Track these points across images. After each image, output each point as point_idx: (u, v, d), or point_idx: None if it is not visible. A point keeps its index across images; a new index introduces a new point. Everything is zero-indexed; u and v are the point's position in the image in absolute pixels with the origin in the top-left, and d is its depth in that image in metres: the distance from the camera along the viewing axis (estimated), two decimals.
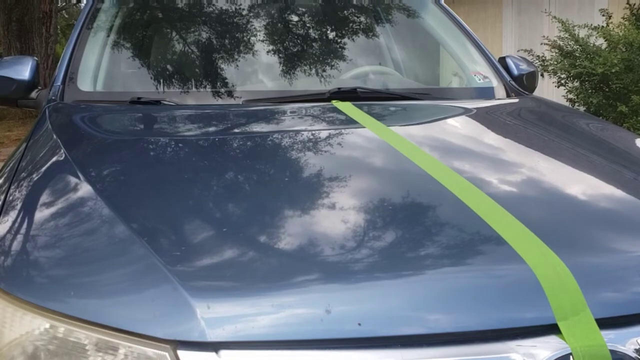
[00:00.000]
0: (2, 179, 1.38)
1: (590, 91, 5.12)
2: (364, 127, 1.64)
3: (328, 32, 2.48)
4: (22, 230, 1.14)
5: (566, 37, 5.24)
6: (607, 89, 5.04)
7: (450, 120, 1.92)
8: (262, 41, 2.29)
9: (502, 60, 2.46)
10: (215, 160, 1.47)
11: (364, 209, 1.19)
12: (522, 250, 1.02)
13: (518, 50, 6.79)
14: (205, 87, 2.10)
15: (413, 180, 1.33)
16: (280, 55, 2.26)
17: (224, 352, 0.87)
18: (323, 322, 0.89)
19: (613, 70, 4.73)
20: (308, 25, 2.48)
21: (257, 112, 1.89)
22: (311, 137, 1.60)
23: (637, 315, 0.96)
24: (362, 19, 2.61)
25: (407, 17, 2.71)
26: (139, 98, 1.90)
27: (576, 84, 5.27)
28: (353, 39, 2.48)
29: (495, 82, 2.26)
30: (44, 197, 1.25)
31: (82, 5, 2.54)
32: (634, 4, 5.36)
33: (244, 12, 2.40)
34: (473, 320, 0.92)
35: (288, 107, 1.90)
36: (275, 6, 2.45)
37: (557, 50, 5.33)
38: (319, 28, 2.49)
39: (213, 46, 2.31)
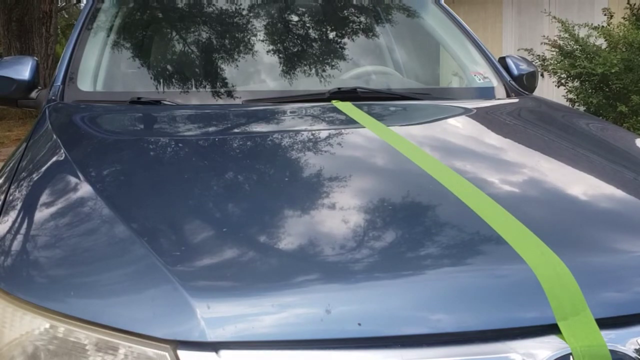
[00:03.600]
0: (2, 179, 1.38)
1: (590, 91, 5.12)
2: (364, 127, 1.64)
3: (328, 32, 2.48)
4: (22, 230, 1.14)
5: (566, 37, 5.24)
6: (607, 89, 5.04)
7: (450, 120, 1.92)
8: (262, 41, 2.29)
9: (502, 60, 2.46)
10: (216, 160, 1.47)
11: (364, 209, 1.19)
12: (522, 250, 1.02)
13: (518, 50, 6.79)
14: (205, 87, 2.10)
15: (413, 180, 1.33)
16: (280, 55, 2.26)
17: (224, 352, 0.87)
18: (323, 322, 0.89)
19: (613, 71, 4.73)
20: (308, 25, 2.48)
21: (257, 112, 1.89)
22: (311, 137, 1.60)
23: (637, 315, 0.96)
24: (362, 19, 2.61)
25: (407, 17, 2.71)
26: (139, 98, 1.90)
27: (576, 83, 5.27)
28: (353, 39, 2.48)
29: (495, 82, 2.26)
30: (44, 197, 1.25)
31: (82, 5, 2.54)
32: (634, 4, 5.36)
33: (244, 12, 2.40)
34: (473, 320, 0.92)
35: (288, 107, 1.90)
36: (275, 6, 2.45)
37: (557, 50, 5.34)
38: (319, 28, 2.49)
39: (213, 46, 2.31)
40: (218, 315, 0.90)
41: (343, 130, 1.68)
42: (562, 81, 5.33)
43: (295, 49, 2.32)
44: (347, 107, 1.80)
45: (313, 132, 1.66)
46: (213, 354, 0.87)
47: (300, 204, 1.22)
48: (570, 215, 1.23)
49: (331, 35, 2.46)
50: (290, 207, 1.21)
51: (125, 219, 1.11)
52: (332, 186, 1.30)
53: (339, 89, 1.99)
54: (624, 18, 5.33)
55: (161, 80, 2.12)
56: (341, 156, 1.49)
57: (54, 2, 10.50)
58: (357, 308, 0.92)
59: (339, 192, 1.26)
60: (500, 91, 2.23)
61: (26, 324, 0.95)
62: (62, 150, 1.44)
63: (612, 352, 0.90)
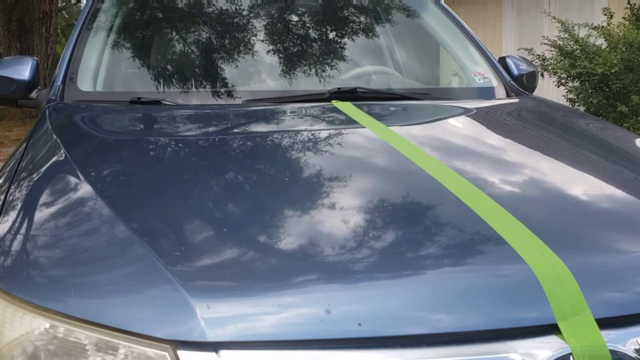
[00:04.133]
0: (2, 179, 1.38)
1: (590, 91, 5.12)
2: (364, 127, 1.64)
3: (328, 32, 2.48)
4: (22, 230, 1.14)
5: (566, 37, 5.24)
6: (607, 89, 5.04)
7: (450, 121, 1.92)
8: (262, 41, 2.29)
9: (502, 60, 2.46)
10: (215, 160, 1.47)
11: (364, 209, 1.19)
12: (522, 250, 1.02)
13: (518, 49, 6.79)
14: (205, 87, 2.10)
15: (413, 180, 1.33)
16: (280, 55, 2.26)
17: (224, 352, 0.87)
18: (323, 322, 0.89)
19: (613, 71, 4.73)
20: (308, 25, 2.48)
21: (257, 112, 1.89)
22: (311, 137, 1.60)
23: (637, 315, 0.96)
24: (362, 19, 2.61)
25: (407, 17, 2.71)
26: (139, 98, 1.90)
27: (576, 83, 5.27)
28: (353, 39, 2.48)
29: (495, 82, 2.26)
30: (44, 197, 1.25)
31: (82, 5, 2.54)
32: (634, 4, 5.36)
33: (244, 12, 2.40)
34: (473, 320, 0.92)
35: (288, 107, 1.90)
36: (275, 6, 2.45)
37: (557, 50, 5.34)
38: (319, 28, 2.49)
39: (213, 46, 2.31)
40: (218, 315, 0.90)
41: (343, 131, 1.68)
42: (562, 81, 5.33)
43: (295, 49, 2.32)
44: (347, 107, 1.80)
45: (313, 132, 1.66)
46: (213, 354, 0.87)
47: (300, 204, 1.22)
48: (570, 215, 1.23)
49: (331, 35, 2.46)
50: (290, 207, 1.21)
51: (125, 219, 1.11)
52: (332, 186, 1.30)
53: (339, 89, 1.99)
54: (624, 18, 5.33)
55: (161, 80, 2.12)
56: (341, 156, 1.49)
57: (54, 2, 10.50)
58: (357, 308, 0.92)
59: (339, 192, 1.26)
60: (500, 91, 2.23)
61: (26, 324, 0.95)
62: (62, 150, 1.44)
63: (612, 352, 0.90)
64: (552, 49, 5.39)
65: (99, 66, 2.10)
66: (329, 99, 1.92)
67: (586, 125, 1.97)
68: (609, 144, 1.77)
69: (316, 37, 2.45)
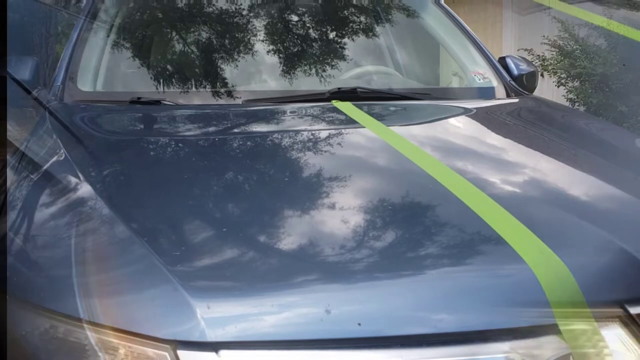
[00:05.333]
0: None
1: (590, 91, 5.12)
2: (364, 127, 1.64)
3: (328, 32, 2.48)
4: (22, 230, 1.15)
5: (566, 37, 5.24)
6: (607, 89, 5.05)
7: (450, 121, 1.92)
8: (262, 41, 2.29)
9: (502, 60, 2.46)
10: (215, 160, 1.47)
11: (364, 209, 1.19)
12: (522, 250, 1.02)
13: (518, 50, 6.79)
14: (205, 87, 2.10)
15: (413, 180, 1.33)
16: (280, 55, 2.26)
17: (224, 352, 0.87)
18: (323, 322, 0.89)
19: (613, 70, 4.73)
20: (308, 25, 2.48)
21: (257, 112, 1.89)
22: (311, 137, 1.60)
23: (637, 315, 0.96)
24: (362, 19, 2.61)
25: (407, 17, 2.71)
26: (139, 98, 1.90)
27: (576, 83, 5.27)
28: (353, 39, 2.48)
29: (495, 82, 2.26)
30: (44, 197, 1.26)
31: (82, 5, 2.54)
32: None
33: (244, 12, 2.40)
34: (473, 320, 0.92)
35: (288, 107, 1.90)
36: (275, 6, 2.45)
37: (557, 50, 5.34)
38: (319, 28, 2.49)
39: (213, 46, 2.31)
40: (218, 315, 0.90)
41: (343, 130, 1.68)
42: (562, 81, 5.33)
43: (296, 49, 2.32)
44: (347, 107, 1.80)
45: (313, 132, 1.66)
46: (213, 354, 0.87)
47: (300, 204, 1.22)
48: (570, 215, 1.22)
49: (331, 35, 2.46)
50: (290, 207, 1.21)
51: (125, 219, 1.11)
52: (332, 186, 1.30)
53: (339, 89, 1.99)
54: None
55: (161, 80, 2.12)
56: (341, 156, 1.49)
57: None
58: (357, 308, 0.92)
59: (339, 192, 1.27)
60: (500, 91, 2.23)
61: (26, 324, 0.95)
62: (62, 150, 1.44)
63: (613, 351, 0.90)
64: (552, 49, 5.39)
65: (99, 66, 2.10)
66: (329, 99, 1.92)
67: (586, 125, 1.97)
68: (609, 144, 1.77)
69: (316, 37, 2.45)
